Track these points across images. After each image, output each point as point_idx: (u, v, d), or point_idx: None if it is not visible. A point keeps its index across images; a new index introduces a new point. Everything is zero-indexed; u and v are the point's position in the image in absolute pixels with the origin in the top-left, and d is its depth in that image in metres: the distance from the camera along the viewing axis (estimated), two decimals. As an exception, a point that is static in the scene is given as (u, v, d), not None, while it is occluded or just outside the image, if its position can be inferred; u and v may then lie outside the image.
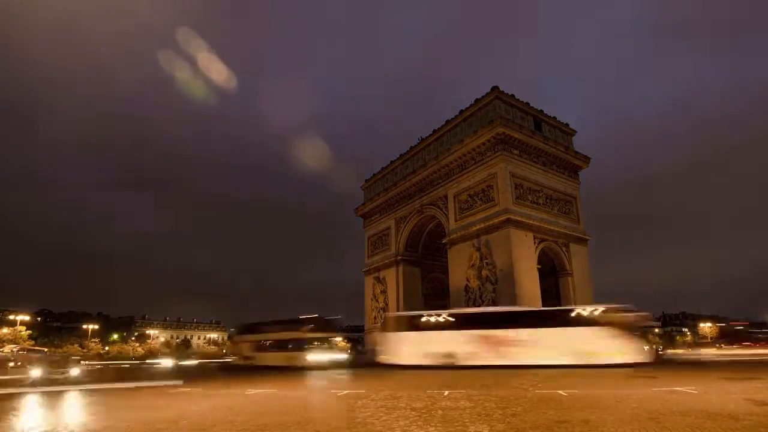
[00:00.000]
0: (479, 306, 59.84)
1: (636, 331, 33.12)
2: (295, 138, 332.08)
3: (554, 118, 71.16)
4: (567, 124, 73.14)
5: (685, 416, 8.63)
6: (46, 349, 70.70)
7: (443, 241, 70.52)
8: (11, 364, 36.53)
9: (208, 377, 30.54)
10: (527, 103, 67.63)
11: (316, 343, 43.54)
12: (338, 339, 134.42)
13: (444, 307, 78.18)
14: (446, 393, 13.65)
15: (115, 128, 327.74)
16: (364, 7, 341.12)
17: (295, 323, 45.31)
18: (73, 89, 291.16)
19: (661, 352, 66.15)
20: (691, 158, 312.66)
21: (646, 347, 34.29)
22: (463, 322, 38.11)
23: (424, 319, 39.38)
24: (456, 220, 67.39)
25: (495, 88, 65.04)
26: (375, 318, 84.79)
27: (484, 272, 59.74)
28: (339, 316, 55.51)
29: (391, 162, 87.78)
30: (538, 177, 64.96)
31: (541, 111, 69.32)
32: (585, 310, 34.67)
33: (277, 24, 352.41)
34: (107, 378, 31.27)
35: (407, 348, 36.70)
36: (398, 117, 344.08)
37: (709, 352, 65.85)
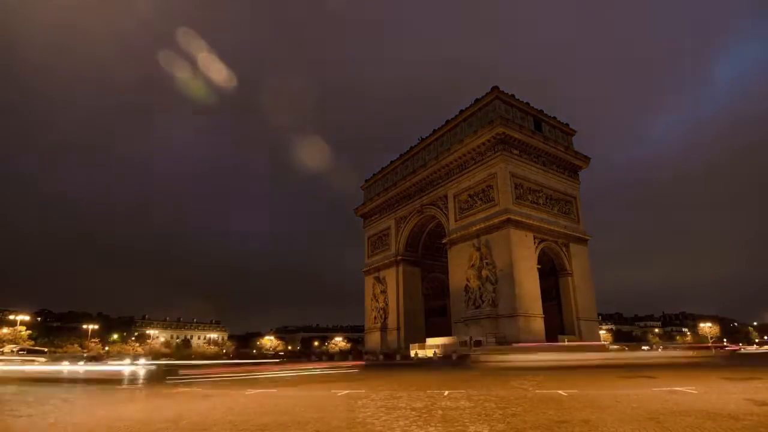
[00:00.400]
0: (479, 306, 59.87)
1: None
2: (295, 138, 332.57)
3: (554, 118, 71.15)
4: (567, 124, 73.13)
5: (685, 416, 8.63)
6: (45, 349, 70.69)
7: (443, 241, 70.58)
8: None
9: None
10: (527, 103, 67.62)
11: None
12: (338, 339, 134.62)
13: (444, 307, 78.58)
14: (446, 393, 13.65)
15: (114, 127, 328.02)
16: (365, 7, 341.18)
17: None
18: (73, 89, 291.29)
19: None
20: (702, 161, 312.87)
21: None
22: None
23: None
24: (456, 220, 67.42)
25: (495, 88, 65.03)
26: (375, 318, 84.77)
27: (484, 272, 59.75)
28: None
29: (391, 162, 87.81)
30: (538, 177, 65.00)
31: (541, 111, 69.31)
32: None
33: (278, 24, 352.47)
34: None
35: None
36: (398, 117, 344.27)
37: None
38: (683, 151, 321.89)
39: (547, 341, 56.09)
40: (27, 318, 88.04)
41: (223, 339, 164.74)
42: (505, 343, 53.35)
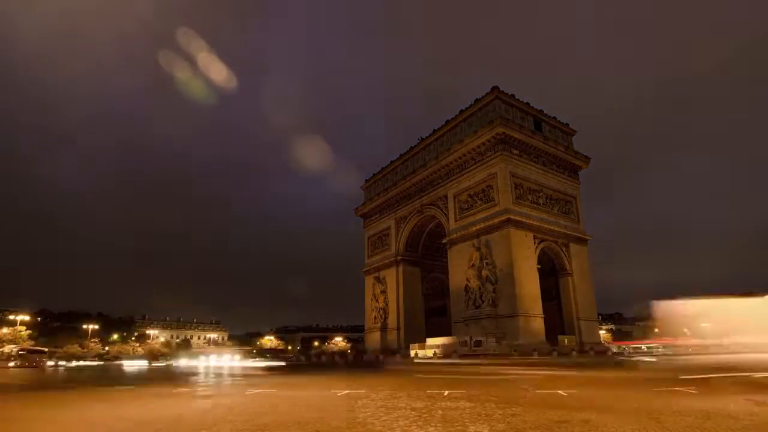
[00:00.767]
0: (479, 306, 59.88)
1: None
2: (295, 137, 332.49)
3: (554, 118, 71.14)
4: (567, 124, 73.12)
5: (685, 416, 8.62)
6: (46, 349, 70.63)
7: (443, 241, 70.57)
8: None
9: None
10: (527, 103, 67.62)
11: None
12: (338, 339, 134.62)
13: (444, 307, 78.56)
14: (446, 393, 13.64)
15: (114, 127, 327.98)
16: (365, 7, 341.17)
17: None
18: (72, 89, 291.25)
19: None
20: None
21: None
22: None
23: None
24: (456, 220, 67.41)
25: (495, 88, 65.03)
26: (375, 318, 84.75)
27: (484, 272, 59.75)
28: None
29: (391, 162, 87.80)
30: (538, 177, 65.00)
31: (541, 111, 69.31)
32: None
33: (278, 23, 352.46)
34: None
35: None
36: (398, 117, 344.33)
37: None
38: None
39: (547, 341, 56.10)
40: (27, 318, 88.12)
41: (223, 339, 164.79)
42: (505, 343, 53.38)
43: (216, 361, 65.88)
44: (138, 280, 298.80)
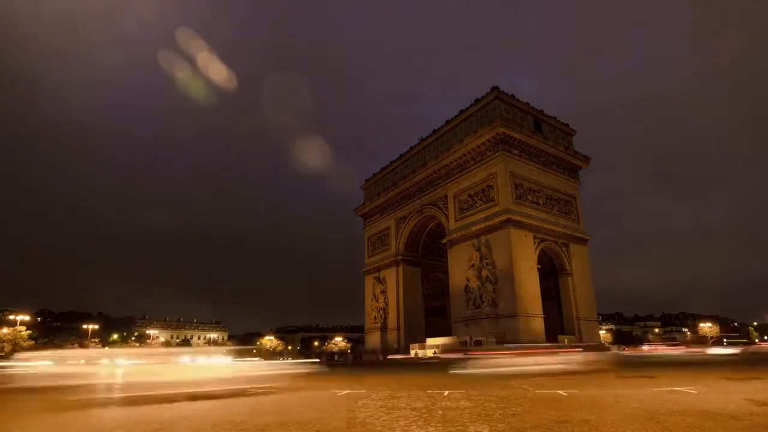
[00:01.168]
0: (479, 306, 59.87)
1: None
2: (295, 137, 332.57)
3: (554, 118, 71.13)
4: (567, 124, 73.12)
5: (685, 416, 8.63)
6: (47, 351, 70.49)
7: (443, 241, 70.53)
8: None
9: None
10: (527, 103, 67.61)
11: None
12: (338, 339, 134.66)
13: (444, 307, 78.50)
14: (446, 393, 13.65)
15: (112, 126, 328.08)
16: (365, 7, 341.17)
17: None
18: (72, 89, 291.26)
19: None
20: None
21: None
22: None
23: None
24: (456, 220, 67.39)
25: (495, 88, 65.01)
26: (375, 318, 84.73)
27: (484, 272, 59.73)
28: None
29: (391, 162, 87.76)
30: (538, 177, 64.97)
31: (541, 111, 69.30)
32: None
33: (278, 23, 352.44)
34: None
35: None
36: (399, 116, 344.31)
37: None
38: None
39: (547, 341, 56.08)
40: (27, 318, 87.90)
41: (223, 339, 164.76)
42: (504, 343, 53.38)
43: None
44: (138, 280, 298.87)
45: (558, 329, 61.37)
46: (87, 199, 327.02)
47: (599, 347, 65.01)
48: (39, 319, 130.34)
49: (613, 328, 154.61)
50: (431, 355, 57.97)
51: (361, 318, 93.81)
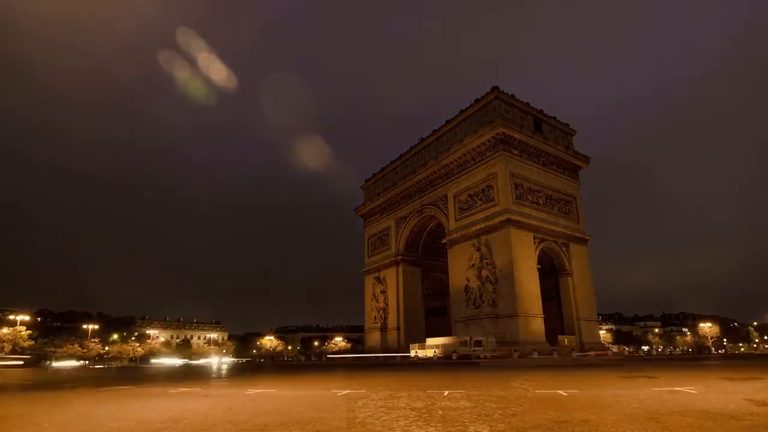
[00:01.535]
0: (479, 306, 59.88)
1: None
2: (295, 137, 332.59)
3: (554, 118, 71.16)
4: (567, 124, 73.15)
5: (685, 416, 8.61)
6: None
7: (443, 241, 70.58)
8: None
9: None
10: (527, 103, 67.62)
11: None
12: (338, 339, 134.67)
13: (444, 307, 78.53)
14: (446, 393, 13.63)
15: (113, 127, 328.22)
16: (365, 6, 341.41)
17: None
18: (72, 90, 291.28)
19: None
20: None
21: None
22: None
23: None
24: (456, 220, 67.41)
25: (495, 88, 65.03)
26: (375, 318, 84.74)
27: (484, 272, 59.75)
28: None
29: (391, 162, 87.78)
30: (538, 177, 65.00)
31: (541, 111, 69.34)
32: None
33: (278, 23, 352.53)
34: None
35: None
36: (399, 116, 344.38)
37: None
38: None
39: (547, 341, 56.11)
40: (27, 318, 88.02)
41: (223, 339, 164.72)
42: (505, 343, 53.34)
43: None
44: (138, 280, 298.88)
45: (558, 329, 61.41)
46: (87, 199, 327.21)
47: (599, 347, 65.07)
48: (39, 319, 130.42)
49: (613, 328, 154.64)
50: (431, 355, 57.95)
51: (362, 318, 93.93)
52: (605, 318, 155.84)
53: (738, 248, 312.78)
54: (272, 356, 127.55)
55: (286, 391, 16.63)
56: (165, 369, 56.32)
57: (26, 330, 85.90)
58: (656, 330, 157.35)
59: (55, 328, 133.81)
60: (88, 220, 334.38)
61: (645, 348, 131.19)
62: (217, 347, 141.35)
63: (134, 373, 41.36)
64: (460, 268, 63.97)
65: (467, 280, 62.29)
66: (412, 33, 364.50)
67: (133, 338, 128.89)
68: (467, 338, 56.87)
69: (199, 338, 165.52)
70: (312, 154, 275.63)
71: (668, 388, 14.20)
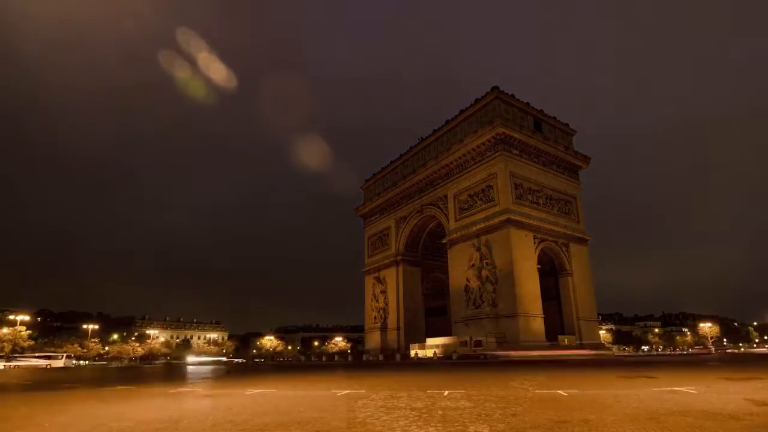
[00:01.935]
0: (479, 306, 59.87)
1: None
2: (295, 137, 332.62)
3: (554, 118, 71.15)
4: (567, 124, 73.15)
5: (685, 416, 8.62)
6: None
7: (443, 241, 70.57)
8: None
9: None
10: (527, 103, 67.62)
11: None
12: (338, 339, 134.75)
13: (444, 307, 78.52)
14: (446, 393, 13.63)
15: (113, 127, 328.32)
16: (365, 6, 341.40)
17: None
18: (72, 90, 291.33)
19: None
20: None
21: None
22: None
23: None
24: (456, 220, 67.40)
25: (495, 88, 65.02)
26: (375, 318, 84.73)
27: (484, 272, 59.75)
28: None
29: (391, 162, 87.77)
30: (538, 177, 65.00)
31: (541, 111, 69.34)
32: None
33: (278, 23, 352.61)
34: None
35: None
36: (399, 116, 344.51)
37: None
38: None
39: (547, 341, 56.11)
40: (27, 318, 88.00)
41: (223, 339, 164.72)
42: (505, 343, 53.35)
43: None
44: (138, 280, 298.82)
45: (558, 329, 61.43)
46: (87, 199, 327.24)
47: (599, 347, 65.07)
48: (39, 319, 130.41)
49: (613, 328, 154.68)
50: (431, 355, 57.97)
51: (361, 318, 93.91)
52: (605, 318, 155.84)
53: (738, 248, 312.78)
54: (272, 356, 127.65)
55: (287, 391, 16.63)
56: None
57: (26, 330, 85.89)
58: (656, 330, 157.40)
59: (55, 328, 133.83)
60: (88, 220, 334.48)
61: (645, 348, 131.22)
62: (217, 347, 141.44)
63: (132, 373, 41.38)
64: (460, 268, 63.96)
65: (467, 280, 62.29)
66: (413, 32, 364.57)
67: (133, 338, 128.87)
68: (467, 338, 56.89)
69: (199, 338, 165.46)
70: (312, 153, 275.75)
71: (668, 388, 14.20)
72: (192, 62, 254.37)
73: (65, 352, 72.92)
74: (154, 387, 20.80)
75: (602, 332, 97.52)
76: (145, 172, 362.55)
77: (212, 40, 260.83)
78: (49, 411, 12.09)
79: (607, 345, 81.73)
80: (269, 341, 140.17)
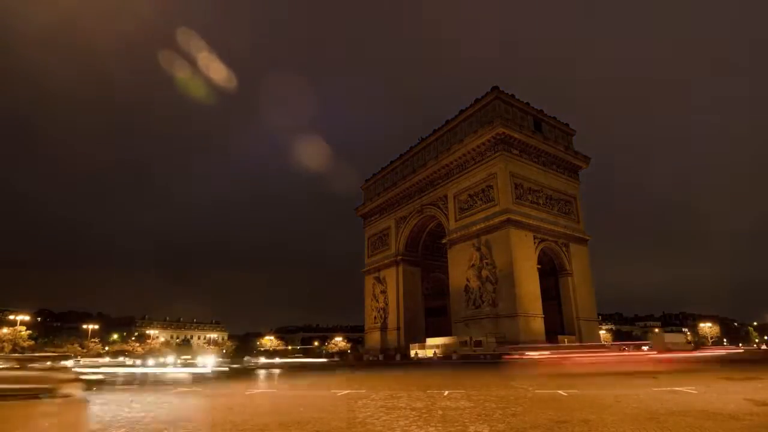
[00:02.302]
0: (479, 306, 59.85)
1: None
2: (295, 137, 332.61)
3: (554, 118, 71.11)
4: (567, 124, 73.10)
5: (685, 416, 8.62)
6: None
7: (443, 241, 70.51)
8: None
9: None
10: (527, 103, 67.57)
11: None
12: (338, 339, 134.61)
13: (444, 307, 78.51)
14: (446, 393, 13.64)
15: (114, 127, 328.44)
16: (365, 7, 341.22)
17: None
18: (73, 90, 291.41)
19: None
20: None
21: None
22: None
23: None
24: (456, 220, 67.36)
25: (495, 88, 64.97)
26: (375, 318, 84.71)
27: (484, 272, 59.71)
28: None
29: (391, 162, 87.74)
30: (538, 177, 64.95)
31: (541, 111, 69.27)
32: None
33: (277, 23, 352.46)
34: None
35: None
36: (399, 116, 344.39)
37: None
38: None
39: (547, 341, 56.06)
40: (27, 318, 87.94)
41: (223, 339, 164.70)
42: (505, 343, 53.33)
43: None
44: (138, 280, 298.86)
45: (558, 329, 61.36)
46: (87, 198, 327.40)
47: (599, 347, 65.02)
48: (39, 319, 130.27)
49: (613, 328, 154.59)
50: (431, 355, 58.00)
51: (362, 318, 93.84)
52: (605, 318, 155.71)
53: (738, 248, 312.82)
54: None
55: (286, 391, 16.64)
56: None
57: (26, 330, 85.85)
58: (656, 330, 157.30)
59: (55, 328, 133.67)
60: (88, 220, 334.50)
61: (645, 348, 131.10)
62: (216, 347, 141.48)
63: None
64: (460, 268, 63.93)
65: (467, 280, 62.25)
66: (414, 31, 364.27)
67: (133, 338, 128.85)
68: (467, 338, 56.85)
69: (199, 338, 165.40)
70: (312, 153, 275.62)
71: (668, 388, 14.21)
72: (192, 62, 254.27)
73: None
74: (156, 385, 20.75)
75: (602, 332, 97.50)
76: (144, 172, 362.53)
77: (212, 40, 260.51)
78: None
79: (607, 345, 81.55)
80: (269, 341, 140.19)
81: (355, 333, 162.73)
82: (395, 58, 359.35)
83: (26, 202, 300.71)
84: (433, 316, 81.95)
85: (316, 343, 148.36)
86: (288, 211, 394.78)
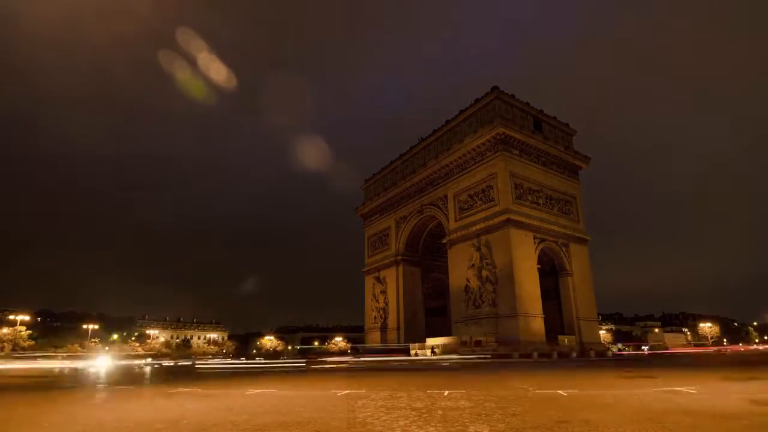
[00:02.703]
0: (479, 306, 59.86)
1: None
2: (295, 137, 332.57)
3: (554, 118, 71.11)
4: (567, 124, 73.10)
5: (685, 416, 8.61)
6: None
7: (443, 241, 70.54)
8: None
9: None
10: (527, 103, 67.57)
11: None
12: (338, 339, 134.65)
13: (444, 307, 78.55)
14: (446, 393, 13.63)
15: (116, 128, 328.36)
16: (365, 7, 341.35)
17: None
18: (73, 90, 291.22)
19: None
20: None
21: None
22: None
23: None
24: (456, 220, 67.37)
25: (495, 88, 64.98)
26: (375, 318, 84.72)
27: (484, 272, 59.72)
28: None
29: (391, 162, 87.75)
30: (538, 177, 64.97)
31: (541, 111, 69.27)
32: None
33: (277, 23, 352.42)
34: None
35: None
36: (398, 116, 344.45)
37: None
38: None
39: (547, 341, 56.08)
40: (27, 318, 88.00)
41: (223, 339, 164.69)
42: (505, 343, 53.36)
43: None
44: (138, 280, 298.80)
45: (558, 329, 61.38)
46: (87, 199, 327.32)
47: (599, 347, 65.07)
48: (39, 319, 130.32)
49: (613, 328, 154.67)
50: (431, 355, 58.00)
51: (362, 318, 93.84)
52: (605, 318, 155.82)
53: (738, 248, 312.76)
54: (270, 356, 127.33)
55: (287, 391, 16.62)
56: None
57: (26, 330, 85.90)
58: (656, 330, 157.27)
59: (55, 328, 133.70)
60: (88, 220, 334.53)
61: (645, 348, 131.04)
62: (217, 347, 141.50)
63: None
64: (460, 268, 63.93)
65: (467, 280, 62.24)
66: (415, 32, 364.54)
67: (133, 338, 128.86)
68: (467, 338, 56.91)
69: (199, 338, 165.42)
70: (312, 153, 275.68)
71: (668, 388, 14.20)
72: (192, 62, 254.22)
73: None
74: (154, 386, 20.72)
75: (602, 332, 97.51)
76: (144, 173, 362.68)
77: (212, 40, 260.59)
78: (49, 411, 12.09)
79: (607, 345, 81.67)
80: (269, 341, 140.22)
81: (355, 333, 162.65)
82: (396, 58, 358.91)
83: (26, 202, 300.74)
84: (432, 316, 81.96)
85: (316, 343, 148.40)
86: (288, 211, 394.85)
